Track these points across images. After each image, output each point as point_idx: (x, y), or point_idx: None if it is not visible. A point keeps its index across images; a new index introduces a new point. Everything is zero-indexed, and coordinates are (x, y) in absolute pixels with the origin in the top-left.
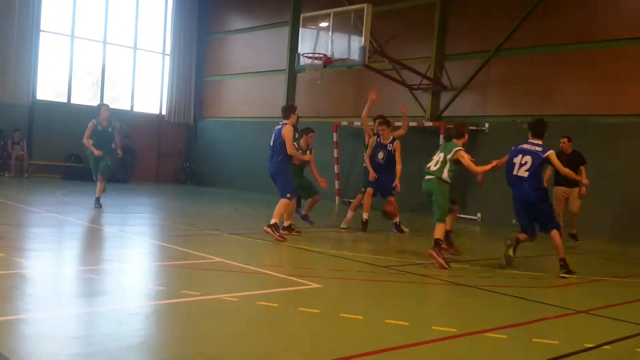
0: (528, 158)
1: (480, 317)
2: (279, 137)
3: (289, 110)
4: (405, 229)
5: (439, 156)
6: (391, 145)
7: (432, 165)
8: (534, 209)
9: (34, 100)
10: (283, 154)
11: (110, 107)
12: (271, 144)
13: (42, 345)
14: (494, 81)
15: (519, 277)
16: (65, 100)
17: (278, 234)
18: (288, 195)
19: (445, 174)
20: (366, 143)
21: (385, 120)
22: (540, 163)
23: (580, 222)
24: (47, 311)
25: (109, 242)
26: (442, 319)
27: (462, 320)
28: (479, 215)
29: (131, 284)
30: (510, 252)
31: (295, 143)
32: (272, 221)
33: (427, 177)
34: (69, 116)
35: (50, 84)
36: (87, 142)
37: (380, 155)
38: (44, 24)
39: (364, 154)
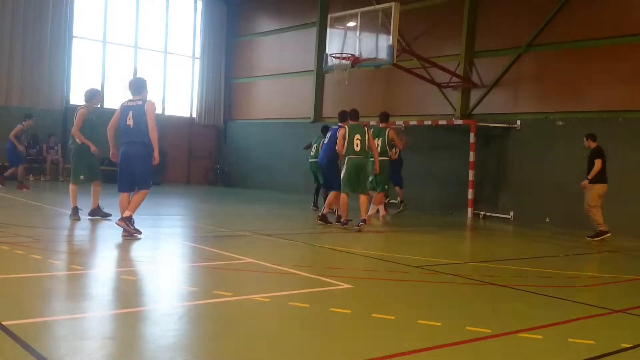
0: None
1: (514, 317)
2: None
3: (347, 114)
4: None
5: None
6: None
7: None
8: None
9: (68, 106)
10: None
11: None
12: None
13: (78, 346)
14: (525, 78)
15: (553, 276)
16: (98, 104)
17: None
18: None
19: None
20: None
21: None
22: None
23: (615, 220)
24: (83, 312)
25: (141, 244)
26: (475, 320)
27: (496, 320)
28: (511, 213)
29: (164, 285)
30: None
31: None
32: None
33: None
34: (102, 120)
35: (84, 89)
36: (79, 134)
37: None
38: (77, 30)
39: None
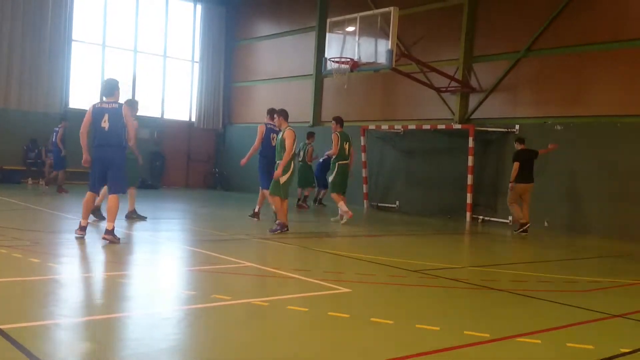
0: None
1: (513, 322)
2: None
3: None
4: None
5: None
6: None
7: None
8: None
9: (67, 109)
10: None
11: (142, 114)
12: None
13: (76, 350)
14: (524, 82)
15: (552, 281)
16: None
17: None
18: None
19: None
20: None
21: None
22: None
23: (616, 224)
24: (81, 316)
25: (140, 247)
26: (474, 324)
27: (495, 325)
28: (510, 218)
29: (163, 289)
30: None
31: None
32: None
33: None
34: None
35: (82, 92)
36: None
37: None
38: (76, 34)
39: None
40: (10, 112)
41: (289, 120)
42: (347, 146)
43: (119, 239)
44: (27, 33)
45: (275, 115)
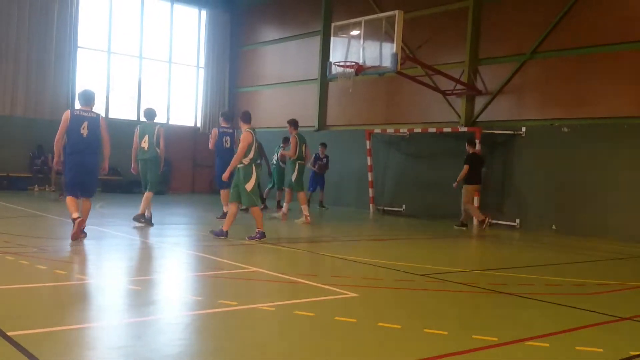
0: None
1: (521, 326)
2: None
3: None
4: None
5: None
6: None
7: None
8: None
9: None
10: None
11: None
12: None
13: (84, 356)
14: (530, 84)
15: (560, 284)
16: (103, 114)
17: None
18: None
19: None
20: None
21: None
22: None
23: (624, 227)
24: (88, 322)
25: (147, 253)
26: (482, 328)
27: (503, 328)
28: (517, 221)
29: (169, 295)
30: None
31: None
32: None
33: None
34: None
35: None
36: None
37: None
38: (81, 40)
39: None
40: (16, 119)
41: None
42: (304, 147)
43: (85, 234)
44: (33, 40)
45: (234, 119)
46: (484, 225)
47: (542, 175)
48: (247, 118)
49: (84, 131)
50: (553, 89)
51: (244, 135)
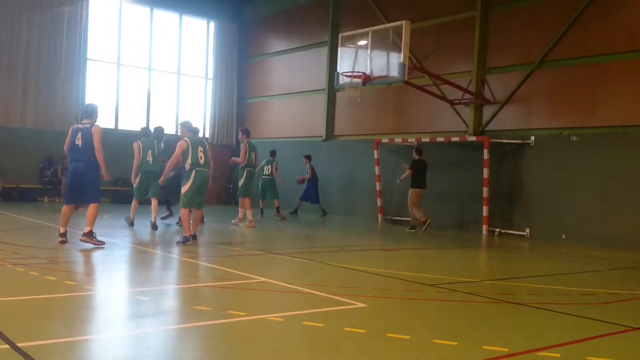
0: None
1: (532, 336)
2: None
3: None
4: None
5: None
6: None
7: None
8: None
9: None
10: None
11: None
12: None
13: None
14: (538, 93)
15: (570, 293)
16: (112, 126)
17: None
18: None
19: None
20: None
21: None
22: None
23: (635, 236)
24: (98, 333)
25: (155, 264)
26: (492, 338)
27: (513, 339)
28: (527, 230)
29: (178, 305)
30: None
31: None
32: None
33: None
34: (116, 142)
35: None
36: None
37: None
38: (91, 52)
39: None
40: (26, 131)
41: None
42: (253, 155)
43: (100, 242)
44: (43, 52)
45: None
46: (424, 228)
47: (552, 185)
48: (189, 126)
49: (78, 142)
50: (561, 97)
51: (180, 142)
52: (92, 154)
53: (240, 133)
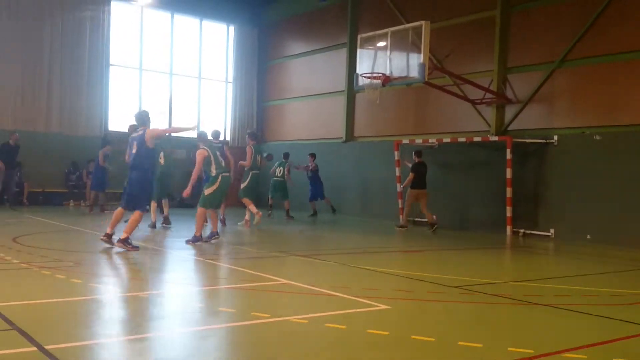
0: None
1: (558, 337)
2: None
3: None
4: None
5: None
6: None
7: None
8: None
9: (106, 132)
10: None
11: (178, 135)
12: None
13: None
14: (561, 92)
15: (597, 294)
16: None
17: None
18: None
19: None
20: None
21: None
22: None
23: None
24: (122, 335)
25: (178, 266)
26: (517, 340)
27: (539, 340)
28: (552, 231)
29: (202, 307)
30: None
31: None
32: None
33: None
34: None
35: (121, 115)
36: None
37: None
38: (113, 58)
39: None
40: (52, 136)
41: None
42: (259, 158)
43: (135, 247)
44: (66, 58)
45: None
46: (401, 229)
47: (576, 184)
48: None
49: (134, 150)
50: (584, 96)
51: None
52: (145, 160)
53: (247, 136)
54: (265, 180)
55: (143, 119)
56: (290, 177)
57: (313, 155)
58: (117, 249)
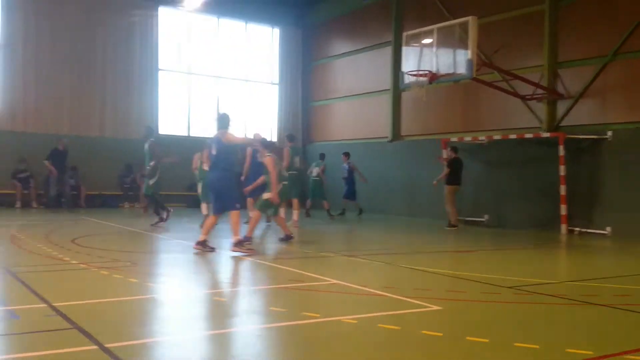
0: None
1: (618, 338)
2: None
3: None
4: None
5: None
6: None
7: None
8: None
9: (157, 135)
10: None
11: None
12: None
13: None
14: (614, 86)
15: None
16: (185, 133)
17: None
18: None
19: None
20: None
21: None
22: None
23: None
24: (178, 334)
25: (229, 266)
26: (576, 341)
27: (599, 341)
28: (608, 229)
29: (253, 306)
30: None
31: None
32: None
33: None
34: (189, 148)
35: (171, 119)
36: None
37: None
38: (162, 63)
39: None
40: (105, 140)
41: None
42: (297, 159)
43: (212, 249)
44: (118, 64)
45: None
46: (451, 228)
47: (632, 181)
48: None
49: (214, 151)
50: (638, 90)
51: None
52: (226, 161)
53: (285, 138)
54: (303, 182)
55: (224, 120)
56: (325, 177)
57: (347, 155)
58: (175, 249)
